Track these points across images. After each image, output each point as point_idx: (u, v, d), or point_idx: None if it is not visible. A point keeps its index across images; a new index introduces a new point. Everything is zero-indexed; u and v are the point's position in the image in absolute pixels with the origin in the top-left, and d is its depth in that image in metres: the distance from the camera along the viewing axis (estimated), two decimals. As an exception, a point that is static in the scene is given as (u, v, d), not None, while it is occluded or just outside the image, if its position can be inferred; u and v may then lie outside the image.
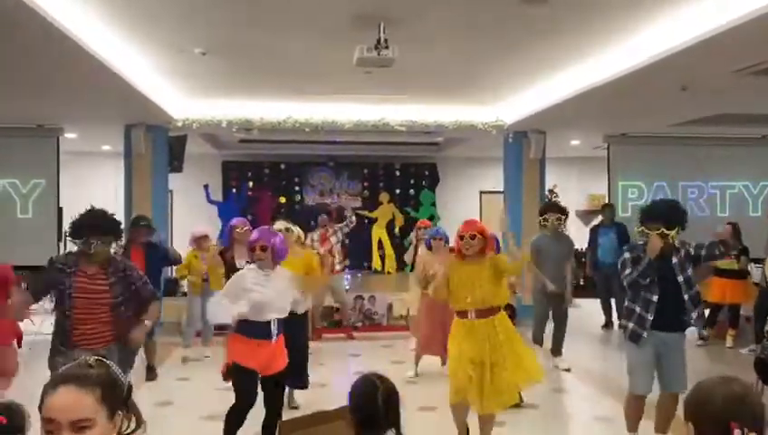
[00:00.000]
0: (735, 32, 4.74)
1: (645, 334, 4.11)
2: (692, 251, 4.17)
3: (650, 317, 4.10)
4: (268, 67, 6.97)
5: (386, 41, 5.19)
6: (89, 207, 3.95)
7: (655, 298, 4.11)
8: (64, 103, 7.76)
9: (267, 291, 4.01)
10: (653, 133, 9.92)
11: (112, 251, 4.04)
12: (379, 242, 13.81)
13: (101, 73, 6.05)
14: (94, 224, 3.77)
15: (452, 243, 4.91)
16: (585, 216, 14.27)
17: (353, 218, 8.77)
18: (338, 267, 8.46)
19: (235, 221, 6.67)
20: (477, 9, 5.05)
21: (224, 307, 4.08)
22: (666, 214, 4.18)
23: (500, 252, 6.06)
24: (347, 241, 8.57)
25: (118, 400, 1.53)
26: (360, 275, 12.84)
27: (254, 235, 4.18)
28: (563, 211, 6.95)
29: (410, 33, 5.50)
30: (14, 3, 4.13)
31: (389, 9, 5.00)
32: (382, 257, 13.71)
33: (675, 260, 4.14)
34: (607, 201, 10.12)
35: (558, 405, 5.98)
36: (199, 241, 7.15)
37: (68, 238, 3.93)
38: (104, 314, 3.79)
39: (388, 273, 13.40)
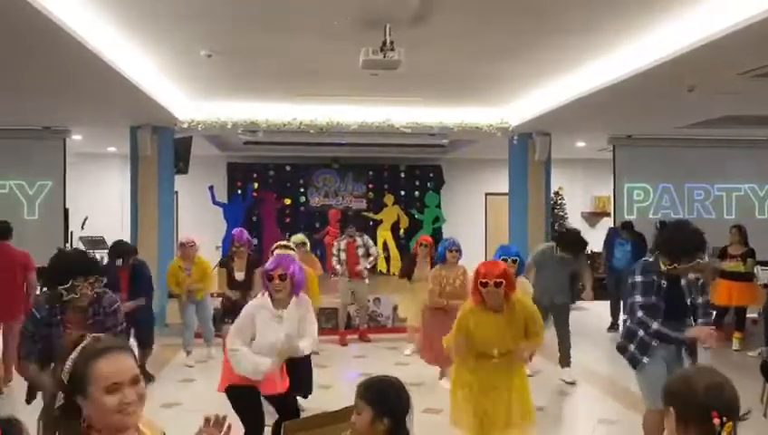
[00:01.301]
0: (741, 34, 4.73)
1: (645, 360, 3.93)
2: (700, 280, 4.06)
3: (654, 344, 3.90)
4: (274, 69, 6.98)
5: (392, 43, 5.19)
6: (59, 251, 3.84)
7: (655, 326, 3.84)
8: (71, 105, 7.79)
9: (279, 336, 3.72)
10: (658, 135, 9.90)
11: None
12: (384, 244, 13.81)
13: (108, 76, 6.07)
14: (75, 266, 3.61)
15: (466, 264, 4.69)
16: (590, 217, 14.27)
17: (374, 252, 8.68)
18: (366, 279, 8.49)
19: (235, 232, 6.71)
20: (482, 11, 5.04)
21: (242, 355, 3.69)
22: (702, 243, 3.88)
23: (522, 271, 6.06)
24: (371, 254, 8.52)
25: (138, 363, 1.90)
26: (367, 280, 12.83)
27: (272, 263, 3.85)
28: (575, 252, 6.61)
29: (416, 35, 5.50)
30: (22, 6, 4.15)
31: (395, 11, 5.00)
32: (387, 259, 13.71)
33: (683, 282, 3.99)
34: (612, 203, 10.11)
35: (563, 407, 5.97)
36: (185, 249, 7.06)
37: (46, 287, 3.74)
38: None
39: (393, 274, 13.38)
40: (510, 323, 3.84)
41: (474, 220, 14.14)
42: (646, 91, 6.78)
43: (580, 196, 14.21)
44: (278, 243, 6.04)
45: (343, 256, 8.33)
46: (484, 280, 3.75)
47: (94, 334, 1.86)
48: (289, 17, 5.24)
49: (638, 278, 3.93)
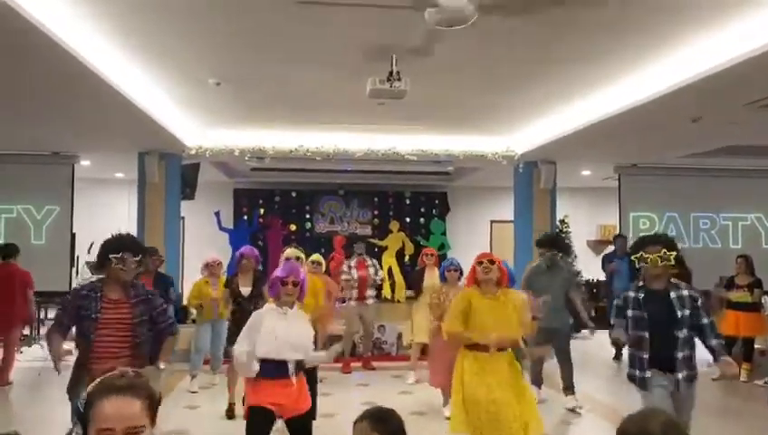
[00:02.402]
0: (746, 66, 4.78)
1: (647, 374, 3.92)
2: (694, 295, 4.00)
3: (645, 356, 3.93)
4: (281, 97, 7.06)
5: (398, 73, 5.26)
6: (116, 233, 4.13)
7: (646, 334, 3.92)
8: (81, 132, 7.89)
9: (284, 329, 3.90)
10: (664, 164, 9.92)
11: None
12: (389, 270, 13.77)
13: (118, 103, 6.16)
14: (127, 243, 4.00)
15: (465, 276, 4.82)
16: (596, 246, 14.22)
17: (380, 274, 8.69)
18: (370, 301, 8.40)
19: (244, 249, 6.72)
20: (487, 42, 5.11)
21: (243, 353, 3.86)
22: (661, 238, 4.09)
23: (513, 283, 6.05)
24: (379, 275, 8.52)
25: (155, 408, 1.70)
26: (375, 300, 12.78)
27: (284, 271, 4.07)
28: (558, 246, 6.83)
29: (422, 65, 5.57)
30: (34, 34, 4.23)
31: (402, 42, 5.07)
32: (392, 286, 13.66)
33: (674, 295, 3.96)
34: (618, 232, 10.09)
35: (569, 438, 5.90)
36: (212, 267, 7.18)
37: (94, 263, 4.13)
38: (126, 338, 3.86)
39: (398, 302, 13.33)
40: (504, 307, 4.12)
41: (479, 247, 13.93)
42: (651, 121, 6.82)
43: (585, 224, 14.19)
44: (291, 249, 6.13)
45: (355, 272, 8.27)
46: (480, 259, 4.18)
47: (122, 368, 1.78)
48: (297, 47, 5.32)
49: (615, 301, 4.18)
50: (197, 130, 8.79)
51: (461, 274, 6.19)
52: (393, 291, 13.60)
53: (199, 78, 6.24)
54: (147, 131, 7.66)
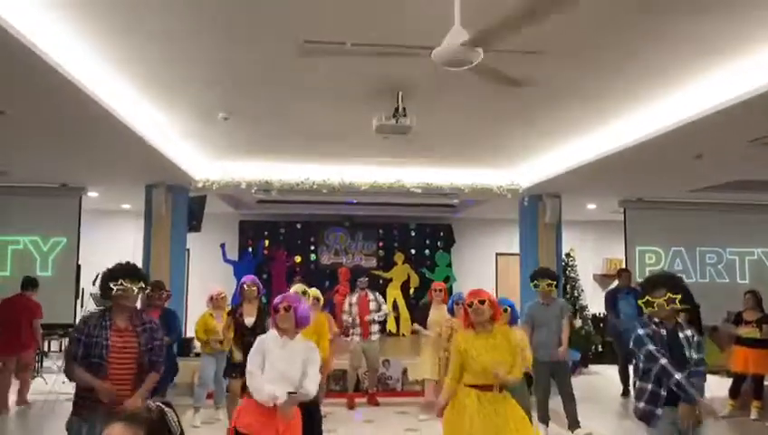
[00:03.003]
0: (749, 103, 4.82)
1: (659, 411, 3.91)
2: (694, 334, 4.02)
3: (664, 392, 3.91)
4: (288, 130, 7.13)
5: (404, 109, 5.32)
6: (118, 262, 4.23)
7: (678, 376, 3.87)
8: (89, 164, 7.95)
9: (281, 359, 3.92)
10: (669, 199, 9.92)
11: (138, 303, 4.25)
12: (394, 303, 13.71)
13: (128, 137, 6.22)
14: (128, 270, 4.10)
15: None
16: (602, 280, 14.15)
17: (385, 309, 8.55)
18: (374, 337, 8.23)
19: (245, 278, 6.73)
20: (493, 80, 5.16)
21: (254, 376, 3.90)
22: (666, 281, 4.08)
23: (516, 322, 6.03)
24: (382, 310, 8.42)
25: None
26: (379, 335, 12.68)
27: (279, 297, 4.15)
28: (554, 277, 6.88)
29: (427, 100, 5.63)
30: (44, 68, 4.30)
31: (408, 78, 5.14)
32: (397, 319, 13.58)
33: (681, 335, 4.01)
34: (624, 266, 10.05)
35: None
36: (216, 301, 7.18)
37: (97, 292, 4.19)
38: (132, 366, 3.95)
39: (403, 335, 13.24)
40: (502, 344, 4.09)
41: (484, 280, 14.03)
42: (655, 156, 6.84)
43: (591, 258, 14.14)
44: (297, 284, 6.13)
45: (355, 310, 8.19)
46: (469, 301, 4.15)
47: (149, 403, 1.81)
48: (304, 83, 5.39)
49: (641, 331, 4.02)
50: (205, 162, 8.86)
51: None
52: (398, 325, 13.52)
53: (208, 112, 6.32)
54: (155, 164, 7.73)
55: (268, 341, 4.01)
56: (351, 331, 8.21)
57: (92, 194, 10.08)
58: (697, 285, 9.44)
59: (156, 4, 3.92)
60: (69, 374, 3.99)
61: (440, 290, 7.71)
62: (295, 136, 7.38)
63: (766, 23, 4.04)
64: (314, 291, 6.60)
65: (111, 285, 3.98)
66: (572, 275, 12.53)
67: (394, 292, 13.91)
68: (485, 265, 14.34)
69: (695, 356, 3.97)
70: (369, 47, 4.06)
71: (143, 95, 5.73)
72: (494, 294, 15.08)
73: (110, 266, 4.17)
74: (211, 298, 7.25)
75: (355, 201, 11.40)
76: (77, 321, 4.15)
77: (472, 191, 9.66)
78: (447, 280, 14.02)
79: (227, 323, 6.51)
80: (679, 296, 3.97)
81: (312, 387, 3.93)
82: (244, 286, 6.35)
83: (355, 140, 7.33)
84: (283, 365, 3.91)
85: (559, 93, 5.57)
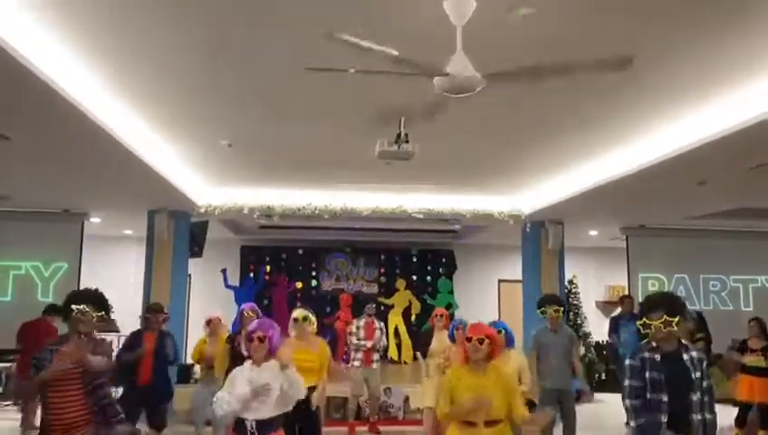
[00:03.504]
0: (751, 131, 4.83)
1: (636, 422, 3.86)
2: (701, 357, 3.93)
3: (664, 420, 3.79)
4: (290, 156, 7.16)
5: (406, 135, 5.34)
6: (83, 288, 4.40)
7: (665, 398, 3.80)
8: (93, 190, 7.98)
9: (252, 382, 3.86)
10: (671, 225, 9.90)
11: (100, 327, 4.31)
12: (396, 330, 13.61)
13: (132, 163, 6.25)
14: (93, 296, 4.20)
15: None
16: (605, 307, 14.06)
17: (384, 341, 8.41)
18: (375, 365, 8.10)
19: (245, 305, 6.71)
20: (495, 106, 5.19)
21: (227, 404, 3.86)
22: (664, 302, 3.99)
23: (512, 344, 5.99)
24: (382, 344, 8.30)
25: None
26: (379, 362, 12.56)
27: (254, 324, 4.10)
28: (561, 303, 6.84)
29: (430, 126, 5.64)
30: (51, 95, 4.33)
31: (410, 104, 5.16)
32: (398, 346, 13.47)
33: (686, 357, 3.89)
34: (627, 293, 9.99)
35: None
36: (212, 325, 7.13)
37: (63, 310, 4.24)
38: (79, 395, 3.96)
39: (405, 363, 13.12)
40: (494, 386, 3.95)
41: (487, 307, 13.95)
42: (657, 183, 6.85)
43: (594, 285, 14.07)
44: (299, 310, 6.06)
45: (363, 333, 8.05)
46: (469, 336, 4.04)
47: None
48: (306, 109, 5.43)
49: (628, 361, 3.98)
50: (207, 188, 8.88)
51: None
52: (399, 352, 13.40)
53: (211, 139, 6.35)
54: (158, 190, 7.75)
55: (245, 372, 3.94)
56: (354, 355, 8.12)
57: (95, 219, 10.09)
58: (702, 312, 9.37)
59: (162, 39, 3.96)
60: (17, 394, 4.12)
61: (441, 316, 7.61)
62: (297, 162, 7.40)
63: (764, 52, 4.07)
64: (301, 312, 6.45)
65: (73, 307, 4.07)
66: (575, 302, 12.48)
67: (395, 318, 13.82)
68: (488, 291, 14.26)
69: (704, 384, 3.84)
70: (370, 73, 4.09)
71: (147, 122, 5.76)
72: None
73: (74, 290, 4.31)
74: (207, 322, 7.20)
75: (357, 226, 11.39)
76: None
77: (474, 217, 9.66)
78: (449, 307, 13.92)
79: (223, 350, 6.45)
80: (677, 319, 3.86)
81: (296, 391, 3.89)
82: (244, 313, 6.31)
83: (357, 165, 7.35)
84: (252, 384, 3.84)
85: (561, 120, 5.60)
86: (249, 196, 9.20)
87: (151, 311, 6.53)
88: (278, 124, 5.89)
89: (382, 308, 13.68)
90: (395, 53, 3.44)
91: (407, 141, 5.36)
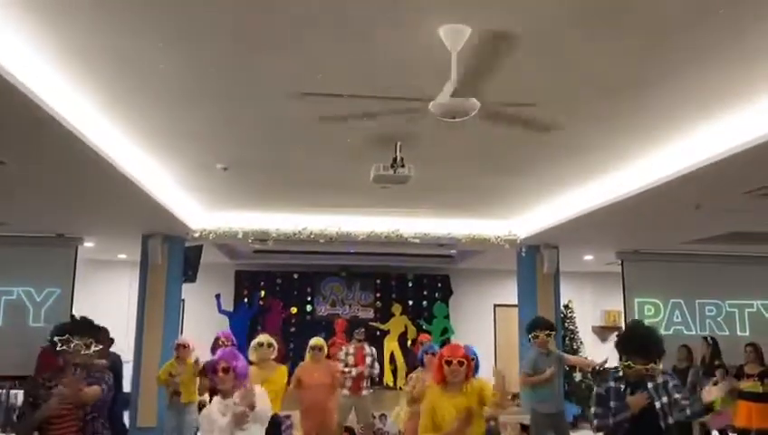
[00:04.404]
0: (745, 155, 4.85)
1: None
2: (671, 383, 3.94)
3: None
4: (286, 181, 7.16)
5: (402, 159, 5.35)
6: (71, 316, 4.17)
7: (627, 425, 3.87)
8: (87, 214, 7.95)
9: (225, 420, 3.79)
10: (667, 250, 9.90)
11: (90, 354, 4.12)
12: (391, 355, 13.51)
13: (126, 188, 6.23)
14: (77, 325, 4.06)
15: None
16: (601, 332, 14.01)
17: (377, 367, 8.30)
18: (365, 392, 7.95)
19: (219, 333, 6.69)
20: (490, 130, 5.21)
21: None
22: (642, 349, 3.97)
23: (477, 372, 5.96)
24: (375, 368, 8.19)
25: None
26: (372, 392, 12.45)
27: (217, 355, 4.05)
28: (552, 327, 6.85)
29: (426, 151, 5.67)
30: (41, 117, 4.32)
31: (406, 128, 5.19)
32: (394, 372, 13.36)
33: (650, 385, 3.93)
34: (624, 318, 9.96)
35: None
36: (179, 349, 7.04)
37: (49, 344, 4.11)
38: (73, 423, 3.85)
39: (401, 389, 12.97)
40: (469, 402, 3.98)
41: (483, 332, 13.89)
42: (652, 207, 6.86)
43: (590, 310, 14.03)
44: (262, 338, 6.08)
45: (351, 359, 7.93)
46: (449, 359, 4.05)
47: None
48: (302, 134, 5.44)
49: (595, 389, 4.06)
50: (202, 212, 8.86)
51: None
52: (395, 377, 13.28)
53: (206, 163, 6.35)
54: (152, 215, 7.72)
55: (213, 411, 3.86)
56: (343, 383, 7.91)
57: (88, 244, 10.03)
58: (697, 337, 9.34)
59: (157, 63, 3.97)
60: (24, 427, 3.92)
61: (424, 343, 7.59)
62: (293, 186, 7.40)
63: (758, 77, 4.11)
64: (266, 337, 6.40)
65: (57, 340, 3.91)
66: (571, 327, 12.42)
67: (391, 344, 13.73)
68: (483, 316, 14.19)
69: (676, 396, 3.86)
70: (367, 98, 4.11)
71: (142, 147, 5.76)
72: (494, 347, 14.79)
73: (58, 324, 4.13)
74: (176, 346, 7.12)
75: (353, 250, 11.36)
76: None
77: (469, 241, 9.65)
78: (445, 332, 13.87)
79: (190, 376, 6.38)
80: (660, 367, 3.93)
81: (265, 404, 3.88)
82: (219, 341, 6.27)
83: (353, 189, 7.35)
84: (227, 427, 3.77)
85: (556, 145, 5.62)
86: (244, 220, 9.18)
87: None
88: (273, 148, 5.90)
89: (378, 333, 13.60)
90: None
91: (402, 165, 5.37)
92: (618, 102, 4.58)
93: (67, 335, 3.92)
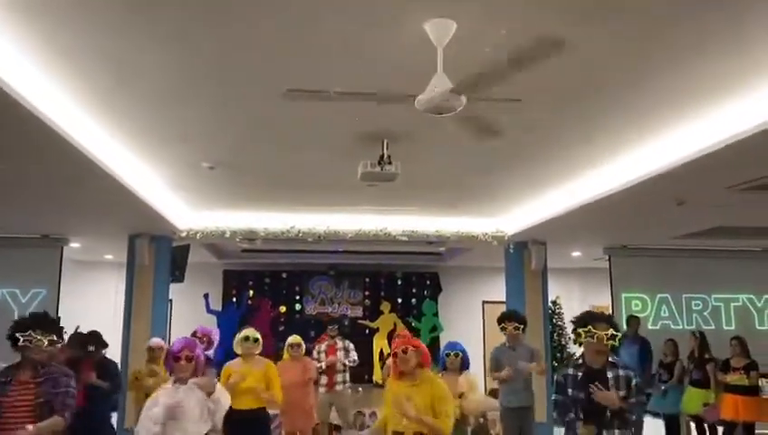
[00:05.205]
0: (727, 151, 4.90)
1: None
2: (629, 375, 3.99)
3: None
4: (273, 180, 7.14)
5: (389, 157, 5.35)
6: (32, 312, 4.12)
7: (580, 414, 3.93)
8: (73, 215, 7.88)
9: (172, 402, 3.78)
10: (653, 245, 9.97)
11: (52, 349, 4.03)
12: (381, 353, 13.51)
13: (111, 187, 6.19)
14: (38, 321, 3.94)
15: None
16: (589, 327, 14.04)
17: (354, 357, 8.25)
18: (339, 387, 7.91)
19: (198, 328, 6.65)
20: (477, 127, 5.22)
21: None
22: (603, 315, 4.14)
23: (467, 367, 5.98)
24: (350, 358, 8.14)
25: None
26: (360, 389, 12.45)
27: (179, 344, 4.03)
28: (521, 320, 6.80)
29: (412, 148, 5.67)
30: (27, 118, 4.28)
31: (392, 126, 5.19)
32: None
33: (611, 374, 3.94)
34: (611, 313, 10.00)
35: None
36: (151, 351, 7.00)
37: (9, 340, 3.97)
38: (27, 420, 3.73)
39: (390, 386, 12.98)
40: (420, 394, 3.95)
41: (472, 329, 13.91)
42: (638, 203, 6.91)
43: (577, 306, 14.04)
44: (248, 332, 6.06)
45: (323, 357, 7.90)
46: (395, 350, 4.09)
47: None
48: (288, 132, 5.42)
49: (556, 376, 4.11)
50: (189, 212, 8.81)
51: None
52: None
53: (193, 162, 6.31)
54: (139, 215, 7.67)
55: (160, 396, 3.85)
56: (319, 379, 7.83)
57: (74, 245, 9.96)
58: (684, 332, 9.41)
59: (142, 61, 3.95)
60: None
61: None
62: (280, 185, 7.38)
63: (739, 75, 4.14)
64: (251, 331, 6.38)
65: (18, 336, 3.83)
66: (559, 323, 12.48)
67: (381, 341, 13.74)
68: (472, 313, 14.22)
69: (634, 399, 3.91)
70: (353, 95, 4.10)
71: (128, 146, 5.72)
72: (483, 344, 14.77)
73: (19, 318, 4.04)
74: (148, 349, 7.06)
75: (341, 249, 11.34)
76: None
77: (457, 238, 9.66)
78: (434, 329, 13.89)
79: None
80: (619, 335, 3.97)
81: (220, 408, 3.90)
82: (195, 335, 6.26)
83: (340, 188, 7.34)
84: (175, 410, 3.77)
85: (542, 141, 5.64)
86: (231, 219, 9.14)
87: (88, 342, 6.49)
88: (260, 147, 5.88)
89: (367, 331, 13.60)
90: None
91: (389, 163, 5.38)
92: (602, 100, 4.61)
93: (29, 331, 3.84)
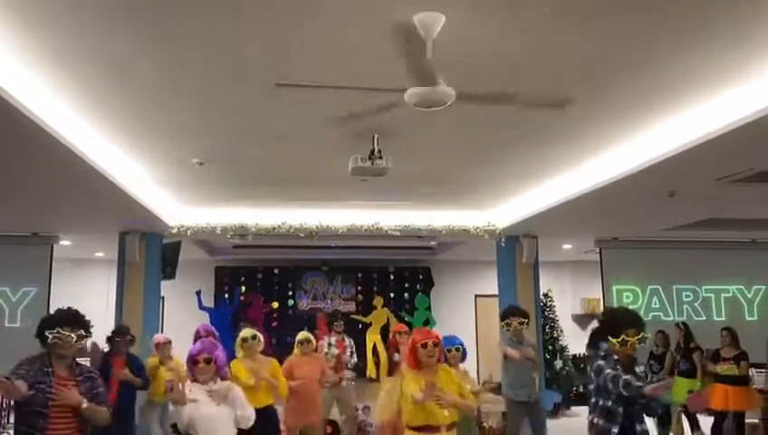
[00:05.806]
0: (716, 142, 4.92)
1: (615, 429, 3.96)
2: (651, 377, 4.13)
3: (615, 430, 3.95)
4: (264, 175, 7.11)
5: (380, 151, 5.34)
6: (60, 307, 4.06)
7: (620, 410, 3.98)
8: (62, 212, 7.83)
9: (206, 407, 3.80)
10: (644, 237, 10.02)
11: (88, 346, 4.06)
12: (374, 348, 13.51)
13: (101, 184, 6.14)
14: (67, 316, 3.89)
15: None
16: (581, 320, 14.15)
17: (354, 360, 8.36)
18: (345, 383, 7.96)
19: (200, 326, 6.66)
20: (467, 120, 5.22)
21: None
22: (638, 319, 4.14)
23: (465, 359, 6.02)
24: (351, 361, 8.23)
25: None
26: (353, 383, 12.46)
27: (197, 346, 4.03)
28: (525, 315, 6.85)
29: (403, 143, 5.67)
30: (16, 116, 4.25)
31: (383, 120, 5.18)
32: (377, 364, 13.34)
33: (638, 369, 4.12)
34: (602, 306, 10.06)
35: None
36: (159, 348, 7.00)
37: (38, 338, 3.93)
38: (73, 419, 3.73)
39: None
40: (446, 384, 4.03)
41: (464, 322, 13.94)
42: (628, 196, 6.93)
43: (569, 298, 14.16)
44: (247, 332, 6.10)
45: (335, 350, 7.92)
46: (425, 341, 4.07)
47: None
48: (279, 127, 5.40)
49: (602, 362, 4.06)
50: (179, 208, 8.77)
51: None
52: (378, 369, 13.27)
53: (183, 158, 6.28)
54: (129, 212, 7.63)
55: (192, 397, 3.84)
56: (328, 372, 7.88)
57: (64, 242, 9.89)
58: (675, 322, 9.47)
59: (129, 57, 3.92)
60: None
61: (402, 333, 7.29)
62: (271, 180, 7.36)
63: (728, 68, 4.16)
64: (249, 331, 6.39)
65: (47, 333, 3.80)
66: (551, 315, 12.53)
67: (374, 336, 13.74)
68: (465, 307, 14.26)
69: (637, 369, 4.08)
70: (342, 89, 4.09)
71: (117, 143, 5.69)
72: (476, 338, 14.82)
73: (47, 315, 4.03)
74: (156, 345, 7.07)
75: (333, 244, 11.33)
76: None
77: (449, 232, 9.67)
78: (427, 323, 13.91)
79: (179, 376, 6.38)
80: (649, 335, 4.11)
81: (246, 413, 3.91)
82: (199, 335, 6.25)
83: (331, 183, 7.33)
84: (211, 414, 3.79)
85: (532, 135, 5.65)
86: (222, 215, 9.11)
87: (120, 334, 6.43)
88: (250, 142, 5.86)
89: (360, 327, 13.60)
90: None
91: (380, 157, 5.37)
92: (592, 92, 4.61)
93: (57, 328, 3.80)
